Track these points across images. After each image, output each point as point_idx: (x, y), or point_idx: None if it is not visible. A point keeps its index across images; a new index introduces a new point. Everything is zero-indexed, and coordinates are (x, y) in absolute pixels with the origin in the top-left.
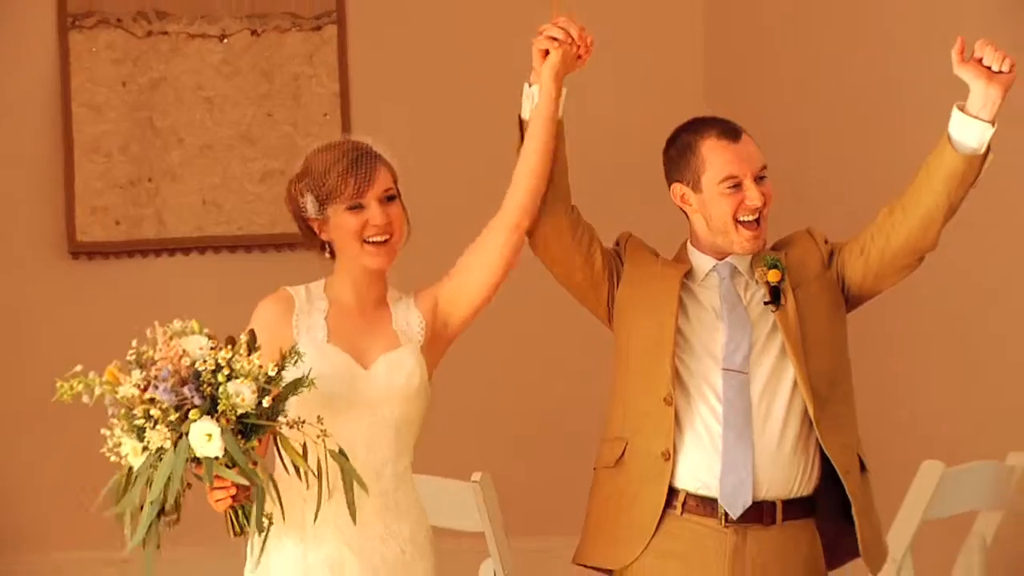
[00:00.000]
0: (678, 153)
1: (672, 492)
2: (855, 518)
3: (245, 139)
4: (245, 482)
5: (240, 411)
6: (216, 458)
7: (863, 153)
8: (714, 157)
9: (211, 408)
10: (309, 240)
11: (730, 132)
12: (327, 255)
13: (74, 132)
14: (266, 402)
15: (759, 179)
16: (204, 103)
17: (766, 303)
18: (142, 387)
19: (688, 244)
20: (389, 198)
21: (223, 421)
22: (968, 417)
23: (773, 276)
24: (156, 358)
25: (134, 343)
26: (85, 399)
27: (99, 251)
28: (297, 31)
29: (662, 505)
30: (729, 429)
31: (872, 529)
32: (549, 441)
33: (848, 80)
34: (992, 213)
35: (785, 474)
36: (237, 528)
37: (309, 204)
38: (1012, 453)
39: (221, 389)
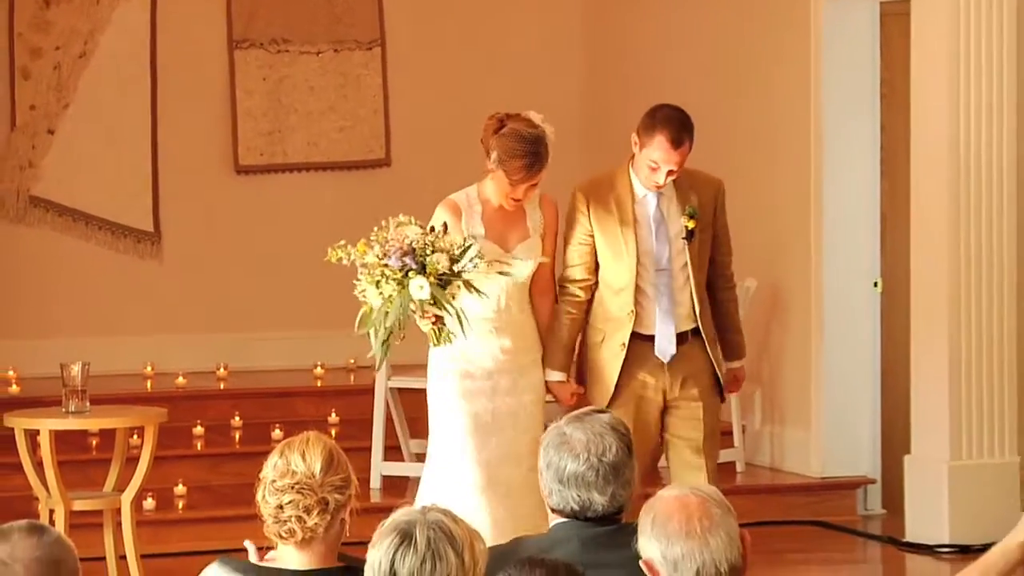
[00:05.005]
0: (649, 122)
1: (634, 336)
2: (708, 344)
3: (331, 109)
4: (441, 313)
5: (440, 271)
6: (425, 300)
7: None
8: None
9: (421, 270)
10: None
11: (674, 140)
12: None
13: (237, 105)
14: (460, 266)
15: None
16: (308, 90)
17: (684, 238)
18: (380, 257)
19: (630, 169)
20: (533, 186)
21: (430, 278)
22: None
23: (691, 224)
24: (388, 239)
25: (380, 226)
26: (344, 262)
27: (251, 170)
28: (359, 50)
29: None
30: (659, 307)
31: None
32: None
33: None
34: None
35: (685, 322)
36: (435, 341)
37: (492, 158)
38: (748, 279)
39: (428, 259)
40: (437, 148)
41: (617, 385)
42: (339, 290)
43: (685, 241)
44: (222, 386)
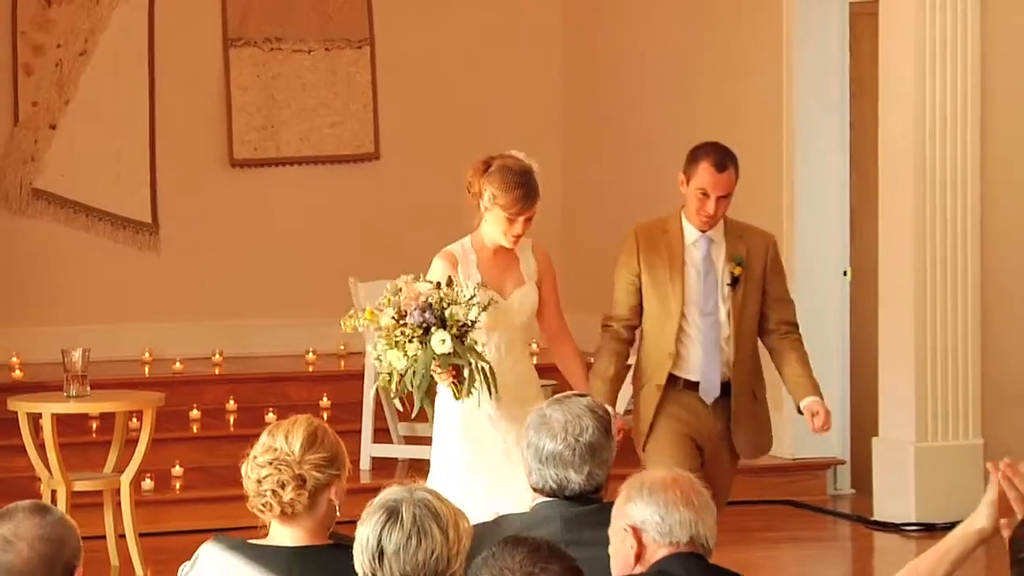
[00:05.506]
0: (691, 156)
1: (673, 379)
2: (733, 398)
3: (322, 104)
4: (460, 363)
5: (460, 323)
6: (447, 353)
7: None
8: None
9: (442, 324)
10: (473, 201)
11: (717, 164)
12: (478, 211)
13: (232, 101)
14: (472, 315)
15: (720, 198)
16: (300, 86)
17: (728, 284)
18: (396, 318)
19: (682, 214)
20: (529, 219)
21: (451, 330)
22: None
23: (737, 271)
24: (402, 299)
25: (387, 289)
26: (359, 329)
27: (246, 164)
28: (349, 48)
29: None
30: (705, 351)
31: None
32: None
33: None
34: None
35: (725, 369)
36: (457, 394)
37: (486, 197)
38: None
39: (447, 312)
40: (424, 142)
41: (656, 425)
42: (330, 279)
43: (729, 287)
44: (217, 371)
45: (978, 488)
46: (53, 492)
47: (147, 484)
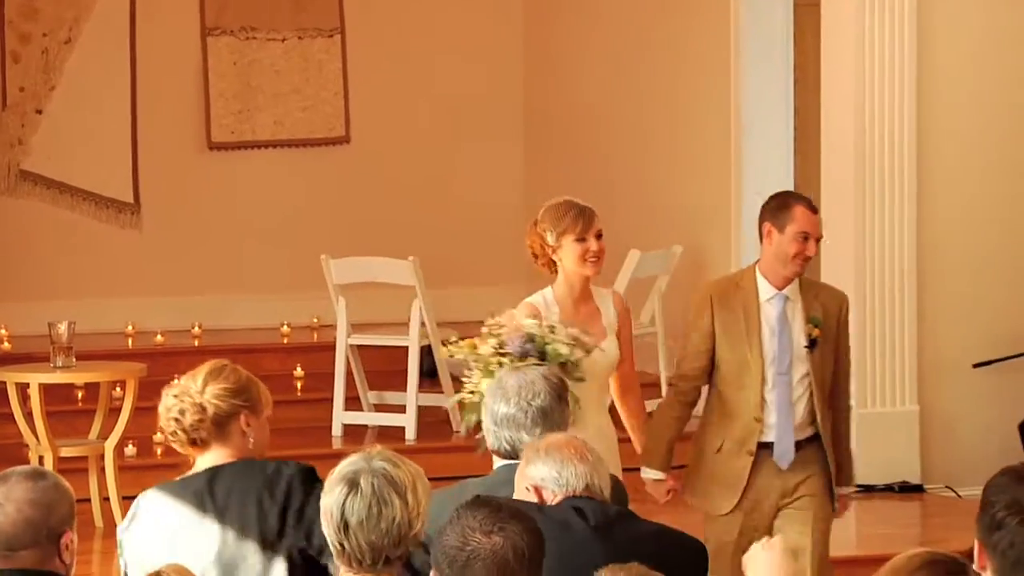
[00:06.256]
0: (777, 205)
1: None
2: (827, 450)
3: (295, 90)
4: None
5: (562, 359)
6: None
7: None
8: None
9: (541, 359)
10: (542, 260)
11: (811, 207)
12: (551, 271)
13: (209, 87)
14: (575, 355)
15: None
16: (274, 73)
17: (806, 347)
18: (496, 347)
19: (756, 271)
20: (599, 235)
21: (551, 366)
22: (653, 222)
23: (816, 333)
24: (504, 331)
25: (491, 322)
26: (458, 357)
27: (223, 147)
28: (321, 37)
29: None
30: (779, 412)
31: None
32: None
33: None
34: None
35: (800, 430)
36: None
37: (549, 236)
38: (675, 245)
39: (548, 348)
40: (392, 127)
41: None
42: (303, 256)
43: (807, 350)
44: (197, 343)
45: (914, 452)
46: (40, 458)
47: (130, 450)
